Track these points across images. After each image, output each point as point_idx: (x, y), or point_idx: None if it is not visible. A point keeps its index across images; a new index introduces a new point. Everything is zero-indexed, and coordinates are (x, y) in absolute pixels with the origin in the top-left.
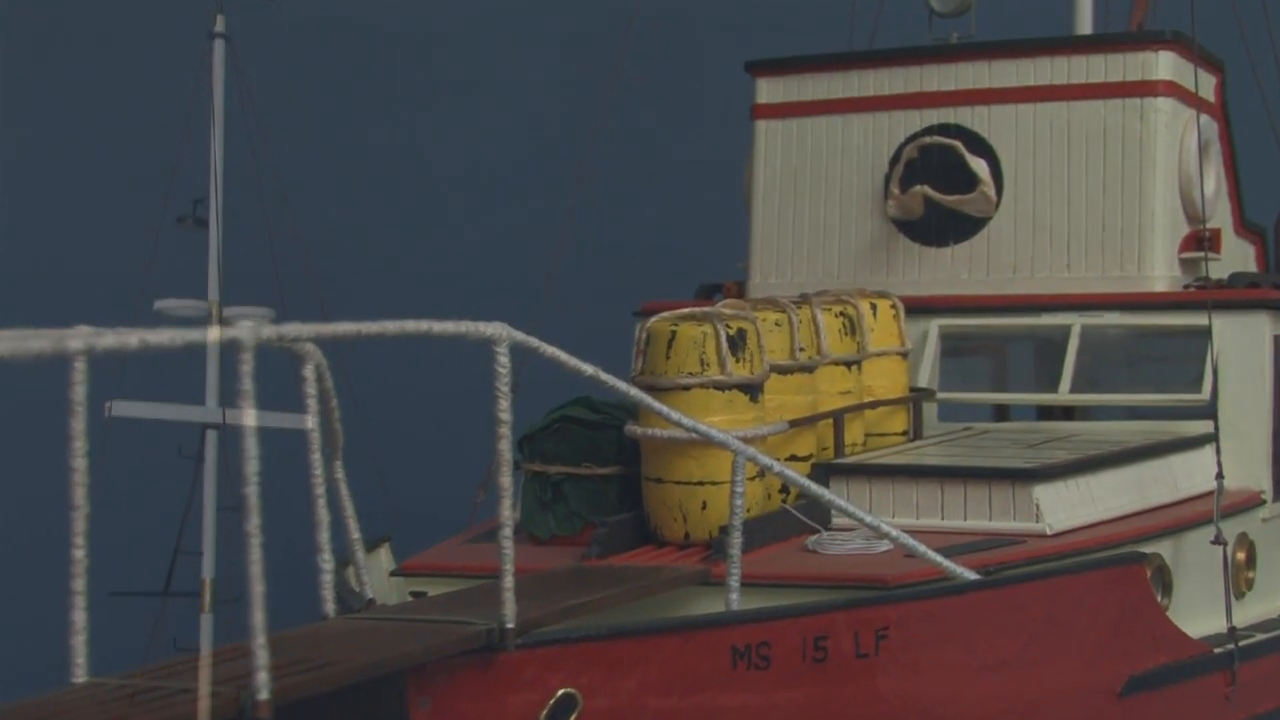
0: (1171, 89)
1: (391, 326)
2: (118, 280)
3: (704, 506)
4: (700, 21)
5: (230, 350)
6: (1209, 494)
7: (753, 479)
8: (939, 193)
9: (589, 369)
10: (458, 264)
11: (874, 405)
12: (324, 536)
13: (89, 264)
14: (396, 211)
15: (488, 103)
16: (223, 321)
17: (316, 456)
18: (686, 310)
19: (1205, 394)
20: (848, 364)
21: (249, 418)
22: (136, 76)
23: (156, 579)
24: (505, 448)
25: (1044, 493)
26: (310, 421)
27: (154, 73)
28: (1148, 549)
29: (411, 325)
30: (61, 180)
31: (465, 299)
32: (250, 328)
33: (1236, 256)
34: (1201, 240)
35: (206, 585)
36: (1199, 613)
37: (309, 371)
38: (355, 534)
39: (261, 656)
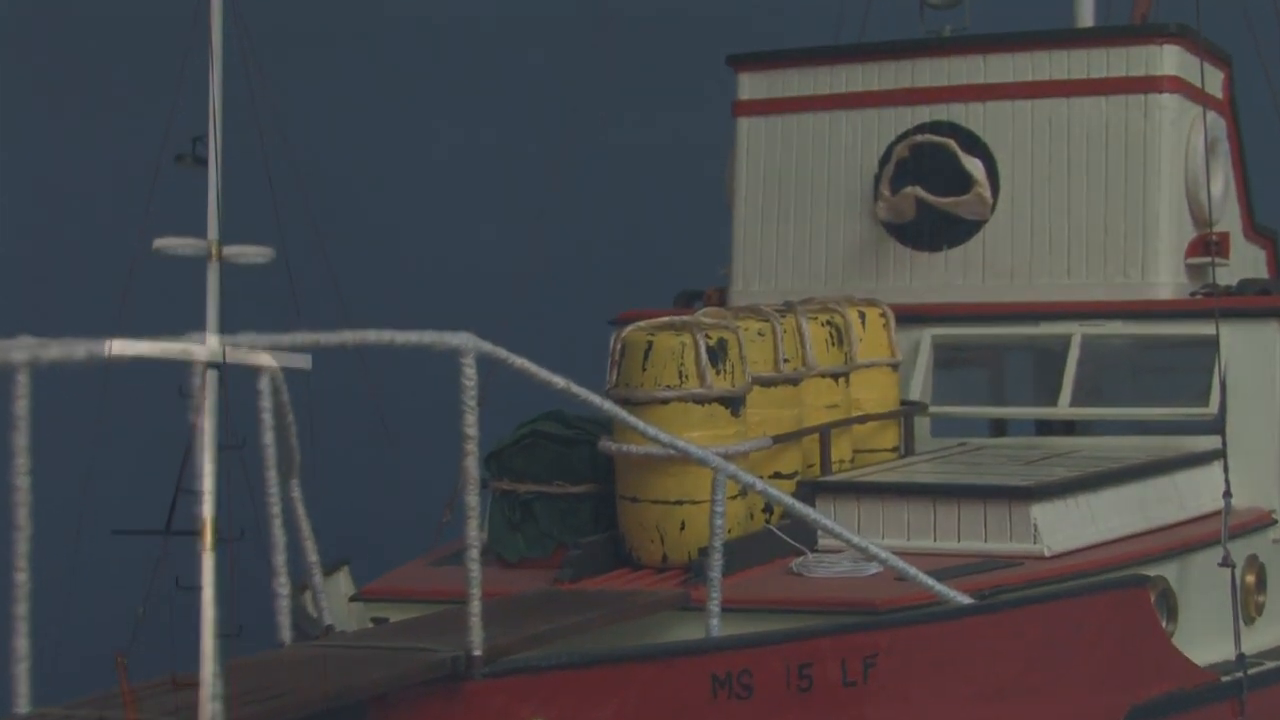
0: (1177, 84)
1: (352, 337)
2: (117, 219)
3: (683, 527)
4: (686, 14)
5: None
6: (1217, 513)
7: (734, 498)
8: (931, 194)
9: (560, 381)
10: (438, 254)
11: (863, 420)
12: (280, 559)
13: (88, 203)
14: (394, 154)
15: (478, 92)
16: (222, 259)
17: (271, 474)
18: (664, 319)
19: (1213, 407)
20: (835, 376)
21: (206, 438)
22: (134, 12)
23: (158, 518)
24: (472, 464)
25: (1042, 512)
26: (304, 361)
27: (152, 7)
28: (1152, 571)
29: (374, 335)
30: (59, 118)
31: (447, 289)
32: (208, 345)
33: (1246, 262)
34: (1209, 244)
35: (207, 524)
36: (1206, 639)
37: (264, 385)
38: (313, 556)
39: (215, 685)
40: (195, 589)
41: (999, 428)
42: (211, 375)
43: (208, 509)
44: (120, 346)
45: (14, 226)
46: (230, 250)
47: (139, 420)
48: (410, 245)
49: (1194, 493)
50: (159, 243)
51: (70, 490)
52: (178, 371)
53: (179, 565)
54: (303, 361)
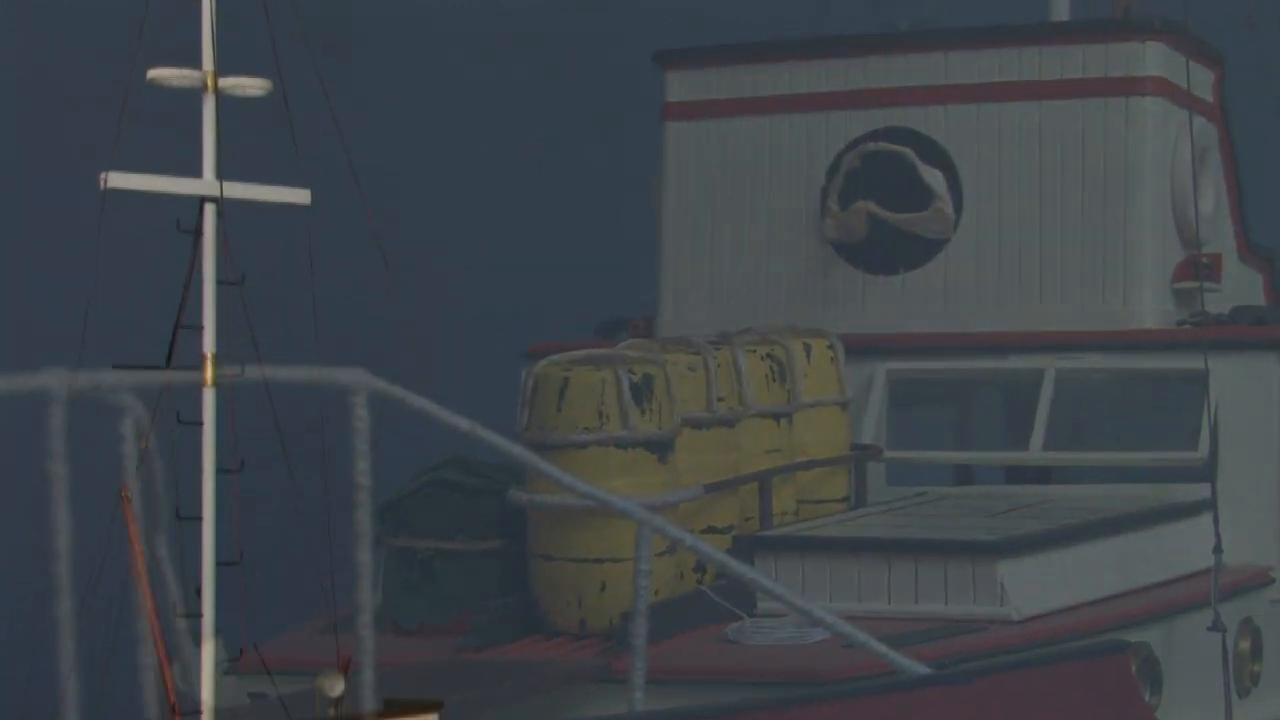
0: (1161, 86)
1: (229, 372)
2: (109, 49)
3: (603, 588)
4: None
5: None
6: (1207, 572)
7: (661, 555)
8: (886, 210)
9: (465, 423)
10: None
11: (808, 466)
12: (144, 626)
13: (80, 35)
14: None
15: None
16: (218, 92)
17: (135, 528)
18: (582, 352)
19: (1202, 452)
20: (776, 417)
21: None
22: None
23: (158, 354)
24: (364, 517)
25: (1010, 571)
26: (303, 196)
27: None
28: (1133, 637)
29: (253, 371)
30: None
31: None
32: (60, 377)
33: (1240, 287)
34: (1198, 267)
35: (208, 360)
36: (1194, 712)
37: (126, 429)
38: (182, 623)
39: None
40: (196, 424)
41: (963, 475)
42: (210, 210)
43: (209, 344)
44: (116, 179)
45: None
46: (226, 82)
47: (136, 256)
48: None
49: (1181, 548)
50: (152, 73)
51: (71, 325)
52: (176, 208)
53: (180, 402)
54: (301, 196)
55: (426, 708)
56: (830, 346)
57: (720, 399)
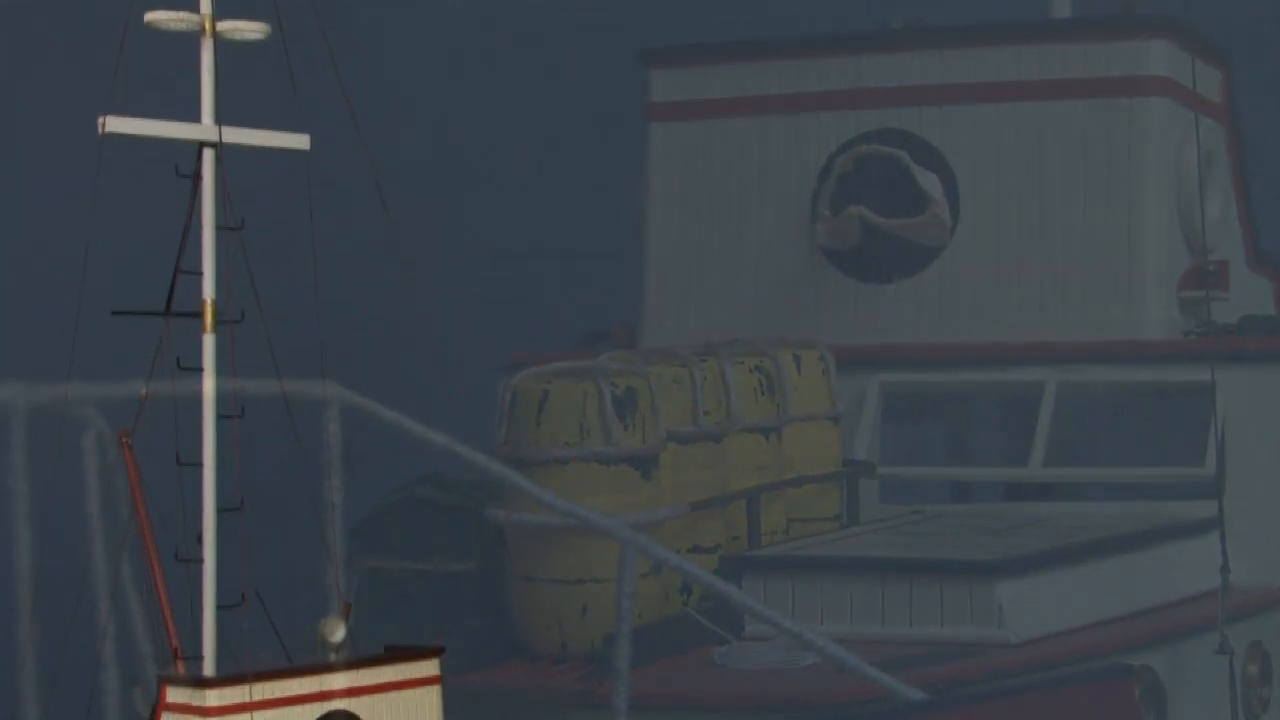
0: (1167, 87)
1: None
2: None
3: (584, 611)
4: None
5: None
6: (1214, 592)
7: (645, 576)
8: (879, 216)
9: (440, 438)
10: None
11: (798, 483)
12: (109, 649)
13: None
14: None
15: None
16: (216, 35)
17: (97, 549)
18: (563, 364)
19: (1209, 468)
20: (765, 431)
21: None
22: None
23: (158, 299)
24: (335, 535)
25: (1009, 592)
26: (302, 141)
27: None
28: (1137, 661)
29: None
30: None
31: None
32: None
33: (1249, 295)
34: (1205, 275)
35: (208, 306)
36: None
37: (88, 442)
38: (146, 646)
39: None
40: (196, 370)
41: (960, 492)
42: (208, 154)
43: (208, 289)
44: (114, 124)
45: None
46: (224, 26)
47: (134, 202)
48: None
49: (1187, 568)
50: (150, 16)
51: (69, 271)
52: (175, 151)
53: (179, 347)
54: (300, 141)
55: (428, 653)
56: (821, 358)
57: (706, 413)
